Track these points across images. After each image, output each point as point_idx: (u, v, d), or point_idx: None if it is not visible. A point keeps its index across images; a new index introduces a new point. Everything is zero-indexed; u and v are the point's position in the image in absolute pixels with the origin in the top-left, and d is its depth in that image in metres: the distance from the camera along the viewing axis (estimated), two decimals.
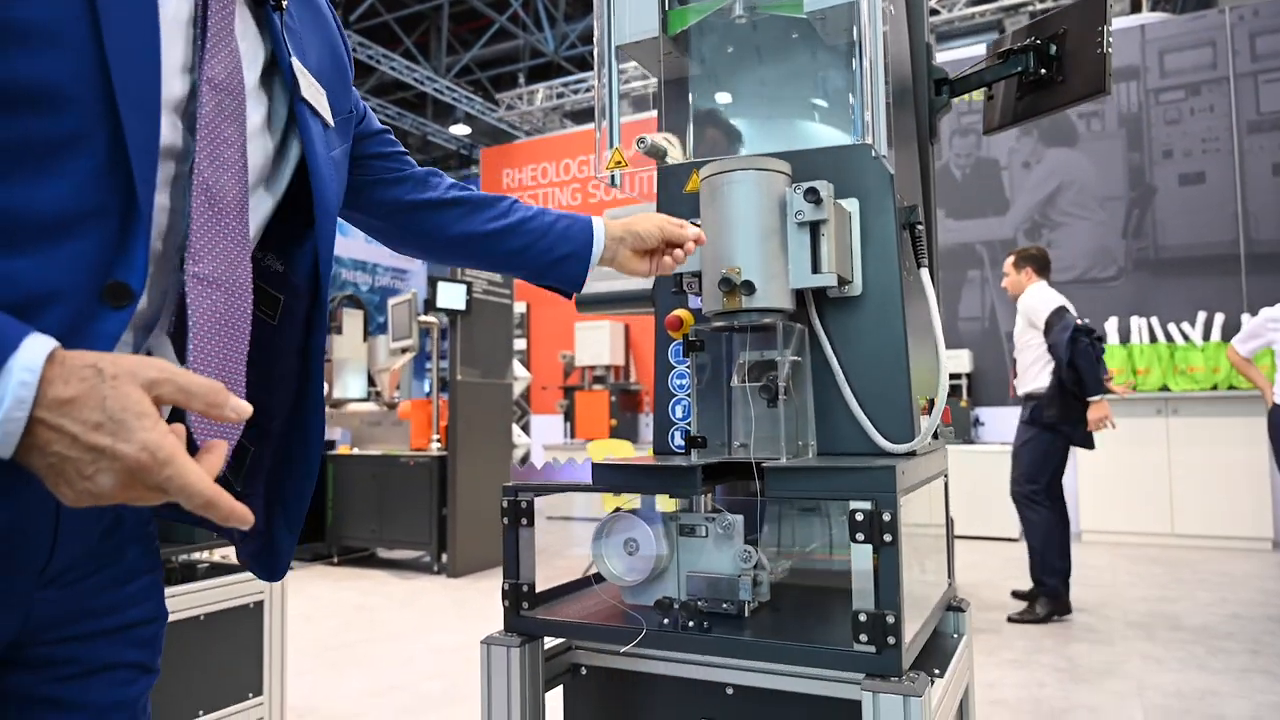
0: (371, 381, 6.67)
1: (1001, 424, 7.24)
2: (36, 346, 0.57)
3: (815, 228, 1.32)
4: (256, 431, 0.86)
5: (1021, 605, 4.29)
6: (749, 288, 1.29)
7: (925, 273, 1.44)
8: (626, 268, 1.32)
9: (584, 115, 12.23)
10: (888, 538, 1.16)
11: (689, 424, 1.50)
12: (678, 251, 1.32)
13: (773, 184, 1.32)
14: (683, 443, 1.52)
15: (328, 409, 6.63)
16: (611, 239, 1.28)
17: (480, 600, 4.83)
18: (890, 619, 1.15)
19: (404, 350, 6.12)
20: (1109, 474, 6.52)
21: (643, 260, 1.33)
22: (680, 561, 1.40)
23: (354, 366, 6.53)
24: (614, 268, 1.32)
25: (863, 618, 1.17)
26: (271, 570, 0.91)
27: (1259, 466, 6.03)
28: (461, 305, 5.46)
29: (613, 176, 1.41)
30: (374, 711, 3.00)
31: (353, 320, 6.57)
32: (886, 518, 1.16)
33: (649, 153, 1.38)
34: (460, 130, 14.73)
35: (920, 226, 1.44)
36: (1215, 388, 6.34)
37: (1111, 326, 6.88)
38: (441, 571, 5.65)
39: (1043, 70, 1.74)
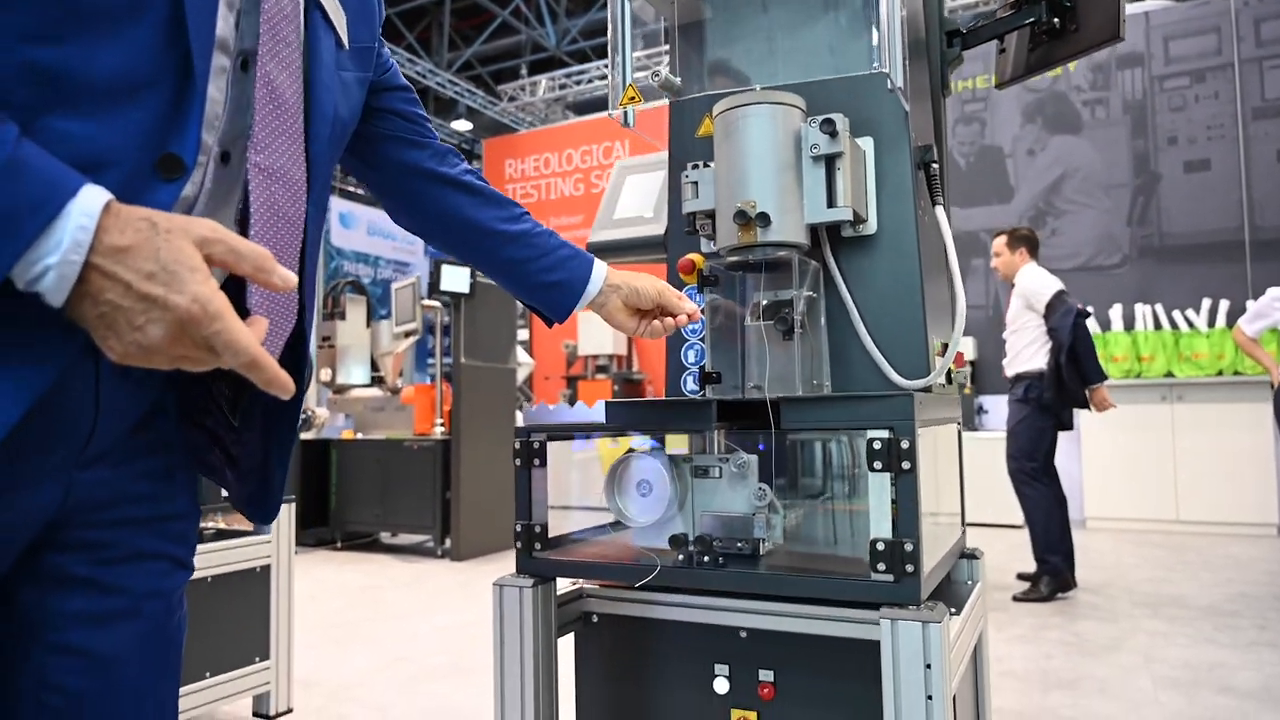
0: (375, 367, 6.66)
1: (1006, 412, 7.23)
2: (94, 194, 0.59)
3: (831, 162, 1.31)
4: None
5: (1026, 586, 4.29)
6: (764, 219, 1.28)
7: (940, 211, 1.43)
8: (614, 319, 1.29)
9: (586, 107, 12.22)
10: (906, 465, 1.15)
11: (702, 366, 1.49)
12: (669, 320, 1.31)
13: (788, 118, 1.32)
14: (695, 386, 1.51)
15: (331, 394, 6.62)
16: (609, 285, 1.26)
17: (485, 582, 4.82)
18: (908, 547, 1.15)
19: (407, 334, 6.11)
20: (1113, 460, 6.51)
21: (632, 317, 1.30)
22: (694, 504, 1.39)
23: (357, 353, 6.52)
24: (601, 315, 1.30)
25: (880, 546, 1.16)
26: (266, 511, 0.91)
27: (1264, 452, 6.02)
28: (465, 289, 5.45)
29: (625, 114, 1.40)
30: (379, 683, 2.99)
31: (355, 307, 6.56)
32: (905, 445, 1.16)
33: (664, 86, 1.37)
34: (462, 126, 14.73)
35: (935, 165, 1.43)
36: (1220, 373, 6.33)
37: (1116, 313, 6.87)
38: (445, 556, 5.64)
39: (1055, 19, 1.72)
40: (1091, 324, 6.82)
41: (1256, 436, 6.05)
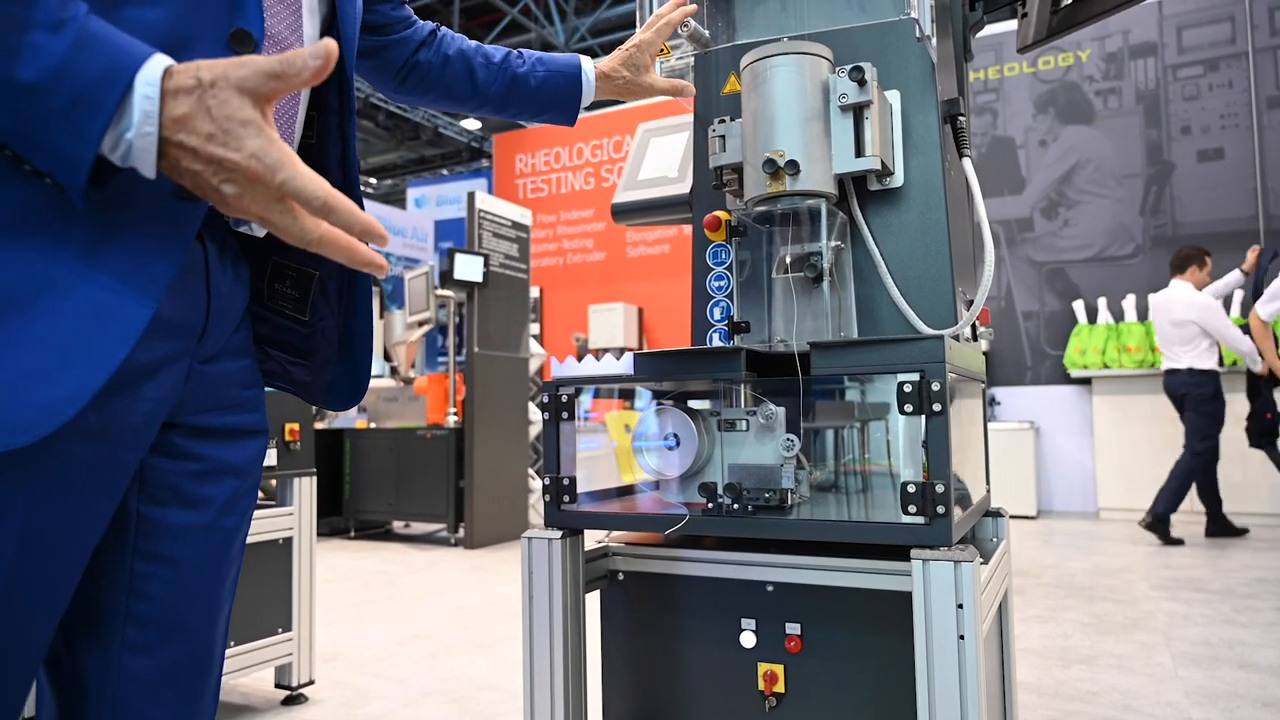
0: (388, 357, 6.68)
1: (1019, 403, 7.21)
2: (156, 63, 0.59)
3: (859, 112, 1.32)
4: (317, 257, 0.88)
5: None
6: (794, 167, 1.28)
7: (968, 163, 1.43)
8: (633, 95, 1.41)
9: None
10: (937, 407, 1.16)
11: (730, 317, 1.50)
12: (669, 25, 1.38)
13: (815, 68, 1.32)
14: (722, 343, 1.52)
15: None
16: (600, 88, 1.39)
17: (502, 568, 4.83)
18: (939, 489, 1.15)
19: (420, 324, 6.12)
20: (1127, 451, 6.48)
21: (646, 74, 1.39)
22: (723, 458, 1.40)
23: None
24: (625, 97, 1.42)
25: (911, 489, 1.16)
26: (354, 391, 0.95)
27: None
28: (479, 278, 5.46)
29: (656, 67, 1.41)
30: (399, 656, 3.01)
31: None
32: (935, 387, 1.16)
33: (692, 38, 1.37)
34: (472, 124, 14.77)
35: (962, 118, 1.44)
36: (1234, 364, 6.29)
37: (1130, 304, 6.84)
38: (459, 544, 5.66)
39: None
40: (1104, 314, 6.83)
41: None
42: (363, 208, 0.89)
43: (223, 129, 0.59)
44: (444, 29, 1.29)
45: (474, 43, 1.31)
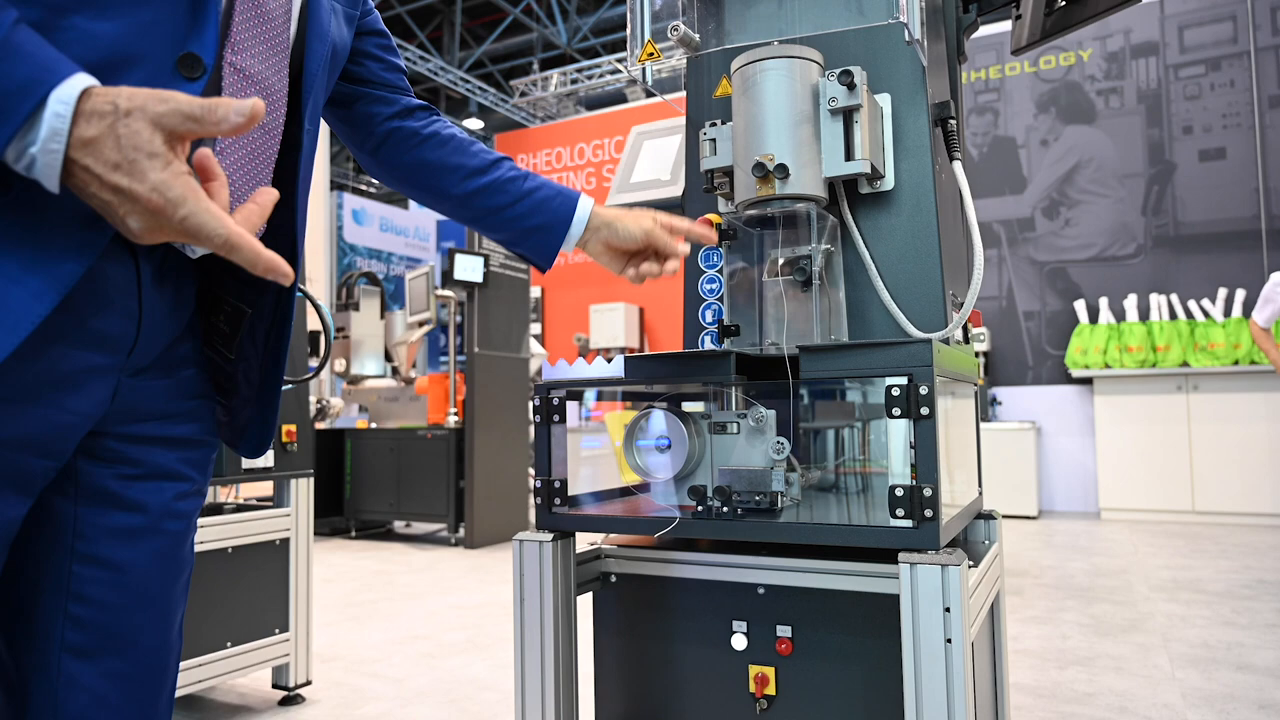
0: (389, 357, 6.70)
1: (1021, 403, 7.20)
2: (74, 82, 0.59)
3: (849, 116, 1.32)
4: (255, 293, 0.86)
5: None
6: (783, 171, 1.29)
7: (958, 166, 1.43)
8: (600, 261, 1.24)
9: (597, 102, 12.24)
10: (925, 411, 1.16)
11: (720, 320, 1.50)
12: (659, 265, 1.23)
13: (805, 72, 1.32)
14: (714, 347, 1.52)
15: (345, 385, 6.66)
16: (591, 228, 1.20)
17: (501, 568, 4.84)
18: (928, 492, 1.15)
19: (421, 324, 6.13)
20: (1129, 451, 6.47)
21: (618, 259, 1.22)
22: (713, 460, 1.40)
23: (371, 344, 6.56)
24: (590, 256, 1.24)
25: (899, 492, 1.16)
26: (262, 440, 0.91)
27: None
28: (479, 278, 5.47)
29: (644, 71, 1.41)
30: (398, 656, 3.02)
31: (369, 299, 6.59)
32: (923, 391, 1.16)
33: (682, 42, 1.37)
34: (474, 124, 14.78)
35: (953, 121, 1.44)
36: (1236, 363, 6.29)
37: (1131, 304, 6.83)
38: (459, 544, 5.67)
39: None
40: (1106, 314, 6.82)
41: (1272, 426, 6.01)
42: (303, 235, 0.87)
43: (128, 159, 0.58)
44: (440, 114, 1.17)
45: (470, 136, 1.18)
